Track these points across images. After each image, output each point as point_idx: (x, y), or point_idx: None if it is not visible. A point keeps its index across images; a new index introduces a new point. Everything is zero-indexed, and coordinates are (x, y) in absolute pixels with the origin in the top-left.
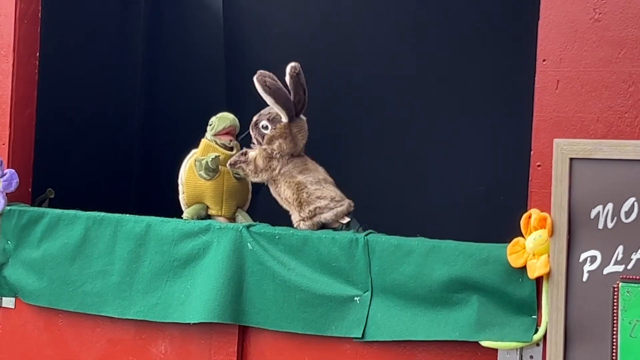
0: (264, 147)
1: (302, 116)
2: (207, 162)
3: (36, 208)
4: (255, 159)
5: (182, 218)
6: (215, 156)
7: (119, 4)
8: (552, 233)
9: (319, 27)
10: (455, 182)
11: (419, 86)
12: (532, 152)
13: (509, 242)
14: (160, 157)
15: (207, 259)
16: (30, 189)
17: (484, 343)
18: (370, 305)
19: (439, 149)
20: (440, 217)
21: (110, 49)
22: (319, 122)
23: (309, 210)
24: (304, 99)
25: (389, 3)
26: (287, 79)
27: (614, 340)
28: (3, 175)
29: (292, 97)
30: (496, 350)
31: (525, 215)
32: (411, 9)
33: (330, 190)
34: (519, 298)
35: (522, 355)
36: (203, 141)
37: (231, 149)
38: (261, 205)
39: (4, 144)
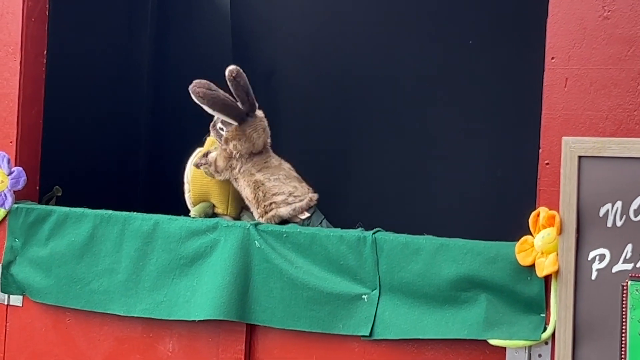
0: (223, 147)
1: (258, 113)
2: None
3: (44, 206)
4: (215, 160)
5: (189, 216)
6: None
7: (126, 3)
8: (560, 231)
9: (328, 26)
10: (463, 180)
11: (426, 84)
12: (540, 150)
13: (518, 240)
14: (168, 155)
15: (214, 257)
16: (37, 187)
17: (492, 341)
18: (378, 303)
19: (446, 148)
20: (447, 215)
21: (118, 48)
22: (326, 120)
23: (264, 206)
24: (248, 99)
25: (398, 2)
26: (228, 83)
27: (623, 338)
28: (10, 173)
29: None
30: (504, 348)
31: (533, 214)
32: (419, 9)
33: (290, 186)
34: (527, 296)
35: (530, 354)
36: (209, 138)
37: None
38: None
39: (11, 142)
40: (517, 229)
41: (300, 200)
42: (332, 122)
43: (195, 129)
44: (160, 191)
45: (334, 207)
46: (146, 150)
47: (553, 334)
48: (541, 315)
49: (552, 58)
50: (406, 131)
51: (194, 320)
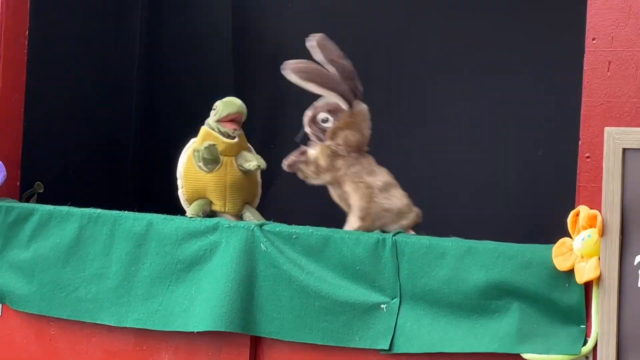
0: (327, 143)
1: (359, 103)
2: (201, 152)
3: (25, 204)
4: (316, 158)
5: (185, 215)
6: (209, 145)
7: None
8: (603, 233)
9: (339, 5)
10: (493, 176)
11: (450, 68)
12: (580, 142)
13: (555, 242)
14: (161, 148)
15: (215, 262)
16: (18, 183)
17: (527, 356)
18: (398, 313)
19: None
20: (475, 215)
21: (107, 30)
22: None
23: (372, 219)
24: (351, 78)
25: None
26: (320, 56)
27: None
28: None
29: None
30: None
31: (572, 213)
32: None
33: (398, 199)
34: (565, 305)
35: None
36: (203, 128)
37: (233, 138)
38: (273, 202)
39: None
40: (554, 230)
41: (406, 219)
42: None
43: (191, 119)
44: (154, 188)
45: None
46: (137, 143)
47: (594, 348)
48: (581, 326)
49: (593, 39)
50: (427, 120)
51: (192, 332)
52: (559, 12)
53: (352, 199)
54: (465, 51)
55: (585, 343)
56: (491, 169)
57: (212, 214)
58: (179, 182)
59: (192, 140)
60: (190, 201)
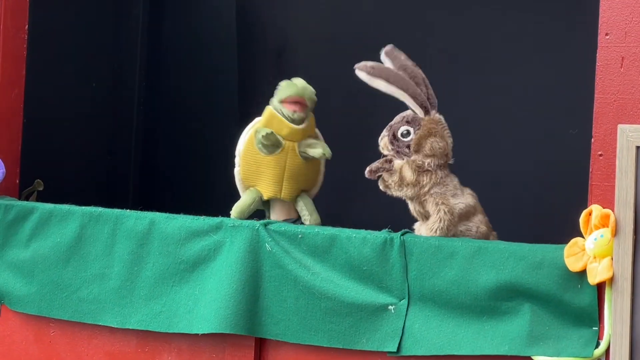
0: (413, 157)
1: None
2: (259, 138)
3: (25, 202)
4: (401, 168)
5: (189, 214)
6: (268, 133)
7: None
8: (616, 232)
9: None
10: (502, 174)
11: (459, 63)
12: (593, 140)
13: (567, 242)
14: (164, 145)
15: (219, 262)
16: (17, 181)
17: (538, 358)
18: (406, 315)
19: (482, 136)
20: (488, 213)
21: (108, 27)
22: (344, 104)
23: None
24: (426, 87)
25: None
26: (390, 64)
27: None
28: None
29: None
30: None
31: (585, 212)
32: None
33: (478, 225)
34: (577, 307)
35: None
36: (267, 108)
37: (295, 121)
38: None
39: None
40: (566, 229)
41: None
42: (350, 106)
43: (194, 117)
44: (156, 185)
45: (355, 205)
46: (139, 140)
47: (607, 351)
48: (593, 328)
49: (606, 34)
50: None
51: (196, 334)
52: (570, 6)
53: (431, 217)
54: (475, 47)
55: (597, 345)
56: (501, 167)
57: (264, 203)
58: (237, 161)
59: (256, 119)
60: (245, 181)
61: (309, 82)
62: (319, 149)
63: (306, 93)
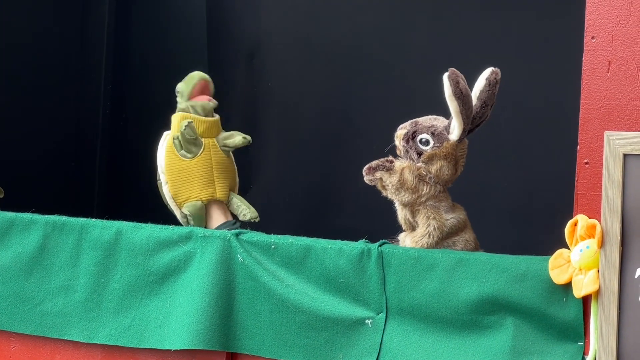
0: (419, 164)
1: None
2: (182, 132)
3: None
4: (403, 170)
5: (157, 223)
6: (189, 122)
7: None
8: (602, 243)
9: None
10: (485, 182)
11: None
12: (578, 147)
13: (551, 254)
14: (130, 150)
15: (190, 273)
16: None
17: None
18: (384, 329)
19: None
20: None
21: (73, 26)
22: (319, 109)
23: None
24: (487, 116)
25: None
26: (481, 85)
27: None
28: None
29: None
30: None
31: (570, 222)
32: None
33: (466, 239)
34: (562, 321)
35: None
36: (175, 115)
37: (211, 114)
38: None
39: None
40: (551, 240)
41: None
42: (325, 111)
43: (162, 119)
44: (122, 193)
45: (329, 213)
46: (105, 145)
47: None
48: (579, 343)
49: (592, 38)
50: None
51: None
52: (555, 9)
53: (419, 227)
54: (458, 51)
55: None
56: (483, 177)
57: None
58: (162, 178)
59: (166, 132)
60: (177, 196)
61: (282, 85)
62: (237, 137)
63: (205, 76)
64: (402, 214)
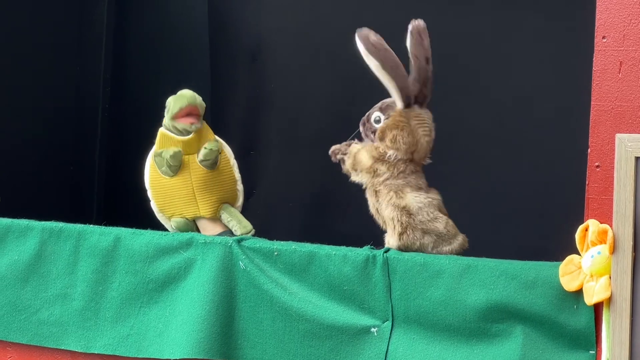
0: (375, 144)
1: (424, 111)
2: (167, 159)
3: None
4: (357, 153)
5: (156, 230)
6: (175, 152)
7: None
8: (614, 249)
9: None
10: (493, 186)
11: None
12: (589, 150)
13: (561, 260)
14: (130, 155)
15: (190, 281)
16: None
17: None
18: (390, 337)
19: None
20: (475, 229)
21: (71, 27)
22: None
23: (406, 239)
24: (421, 78)
25: None
26: (407, 40)
27: None
28: None
29: (411, 75)
30: None
31: (581, 228)
32: None
33: (441, 224)
34: (573, 329)
35: None
36: (159, 131)
37: (190, 133)
38: (253, 214)
39: None
40: (561, 246)
41: (450, 244)
42: (329, 113)
43: (161, 123)
44: (122, 199)
45: (333, 218)
46: (103, 150)
47: None
48: (590, 352)
49: (603, 37)
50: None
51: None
52: (565, 8)
53: (386, 213)
54: (466, 53)
55: None
56: (492, 181)
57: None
58: (149, 194)
59: (154, 147)
60: (163, 212)
61: (284, 88)
62: (205, 148)
63: (195, 100)
64: (369, 201)
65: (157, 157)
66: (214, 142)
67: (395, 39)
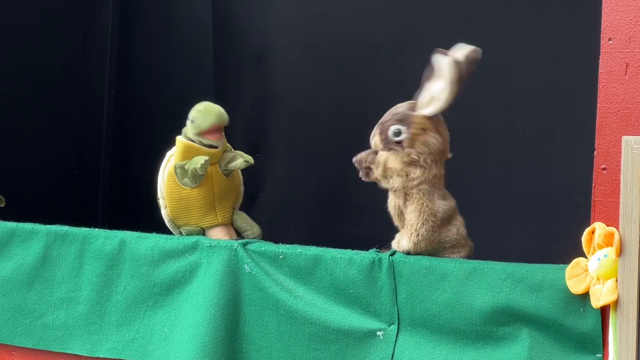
0: (407, 150)
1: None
2: (195, 169)
3: None
4: (386, 160)
5: (162, 233)
6: (205, 161)
7: None
8: (620, 252)
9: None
10: (499, 188)
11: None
12: (595, 153)
13: (568, 263)
14: (135, 158)
15: (195, 284)
16: None
17: None
18: (396, 341)
19: (476, 147)
20: (481, 232)
21: (75, 29)
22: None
23: (418, 253)
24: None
25: None
26: (463, 61)
27: None
28: None
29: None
30: None
31: (587, 230)
32: None
33: (458, 226)
34: (579, 332)
35: None
36: (181, 142)
37: (217, 147)
38: (258, 217)
39: None
40: (568, 249)
41: (458, 252)
42: (335, 115)
43: (167, 125)
44: (127, 202)
45: (340, 220)
46: (109, 152)
47: None
48: (597, 355)
49: (609, 39)
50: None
51: None
52: (571, 10)
53: (410, 217)
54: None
55: None
56: (498, 183)
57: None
58: (162, 203)
59: (169, 154)
60: (176, 220)
61: (290, 90)
62: (239, 160)
63: (223, 117)
64: (393, 201)
65: (180, 168)
66: (247, 156)
67: (398, 39)
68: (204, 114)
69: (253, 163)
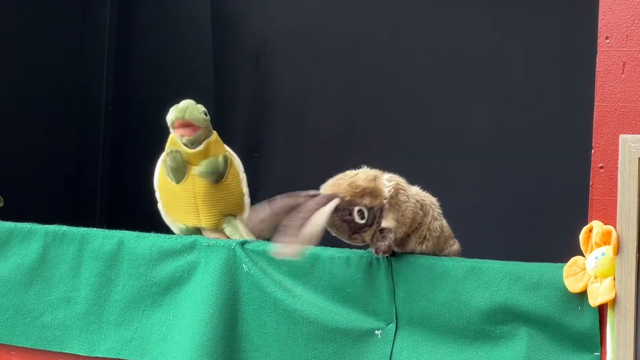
0: (390, 217)
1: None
2: (166, 160)
3: None
4: (396, 227)
5: (160, 233)
6: (173, 151)
7: None
8: (618, 250)
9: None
10: (497, 187)
11: (449, 66)
12: (593, 151)
13: (565, 261)
14: (134, 158)
15: (193, 284)
16: None
17: None
18: (394, 340)
19: (474, 146)
20: (478, 231)
21: (73, 27)
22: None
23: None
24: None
25: None
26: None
27: None
28: None
29: None
30: None
31: (585, 229)
32: None
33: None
34: (577, 330)
35: None
36: (171, 137)
37: (193, 145)
38: None
39: None
40: (565, 247)
41: (452, 246)
42: (333, 114)
43: (164, 125)
44: (125, 202)
45: None
46: (107, 152)
47: None
48: (595, 353)
49: (606, 38)
50: (424, 123)
51: None
52: (568, 8)
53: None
54: (468, 54)
55: None
56: (495, 182)
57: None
58: (157, 195)
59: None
60: (169, 214)
61: (288, 89)
62: (199, 165)
63: (191, 115)
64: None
65: (163, 161)
66: (211, 161)
67: (397, 38)
68: (172, 108)
69: (209, 170)
